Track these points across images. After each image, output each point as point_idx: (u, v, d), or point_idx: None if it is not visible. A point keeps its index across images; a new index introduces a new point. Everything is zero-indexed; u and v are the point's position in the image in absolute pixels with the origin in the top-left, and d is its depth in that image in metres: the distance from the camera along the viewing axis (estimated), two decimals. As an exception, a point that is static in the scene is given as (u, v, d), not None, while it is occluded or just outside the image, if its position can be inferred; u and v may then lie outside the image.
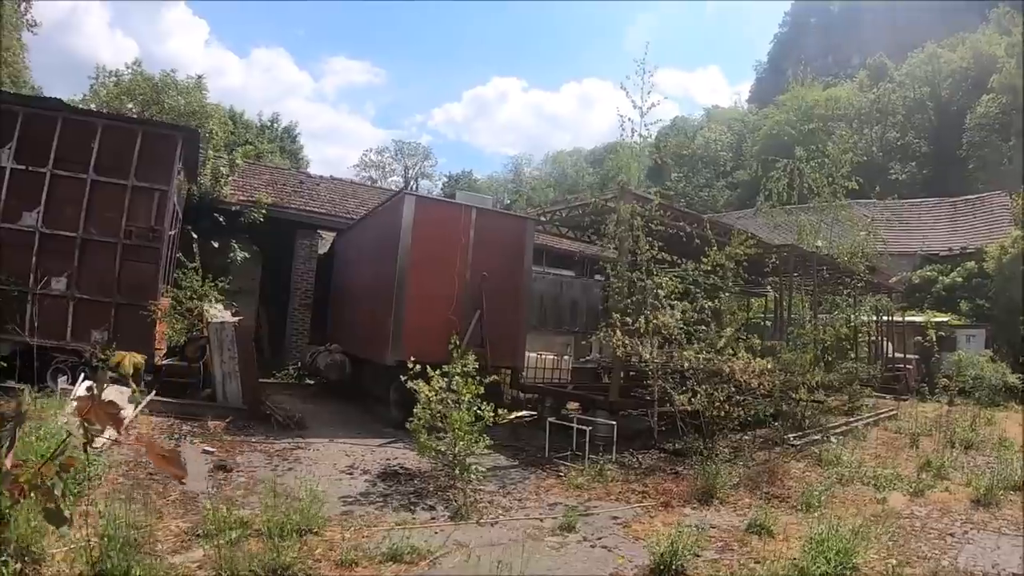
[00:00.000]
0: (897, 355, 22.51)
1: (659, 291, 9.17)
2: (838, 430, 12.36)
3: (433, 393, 7.21)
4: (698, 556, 5.57)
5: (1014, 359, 20.69)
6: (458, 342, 7.85)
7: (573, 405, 12.67)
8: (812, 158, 13.99)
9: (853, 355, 16.55)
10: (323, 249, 19.38)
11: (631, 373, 11.86)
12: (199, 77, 19.91)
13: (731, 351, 9.37)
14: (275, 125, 46.70)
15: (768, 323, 20.30)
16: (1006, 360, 20.26)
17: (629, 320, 8.97)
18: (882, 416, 15.06)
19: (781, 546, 5.99)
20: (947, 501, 7.98)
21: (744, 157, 56.33)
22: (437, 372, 7.36)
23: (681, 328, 9.28)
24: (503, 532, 6.19)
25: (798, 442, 10.97)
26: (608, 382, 11.76)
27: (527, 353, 12.78)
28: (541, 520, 6.61)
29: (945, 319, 25.64)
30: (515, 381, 12.01)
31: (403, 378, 7.60)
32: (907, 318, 24.47)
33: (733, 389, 9.03)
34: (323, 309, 18.12)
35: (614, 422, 9.56)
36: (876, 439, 12.39)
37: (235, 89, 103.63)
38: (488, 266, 11.56)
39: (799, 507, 7.37)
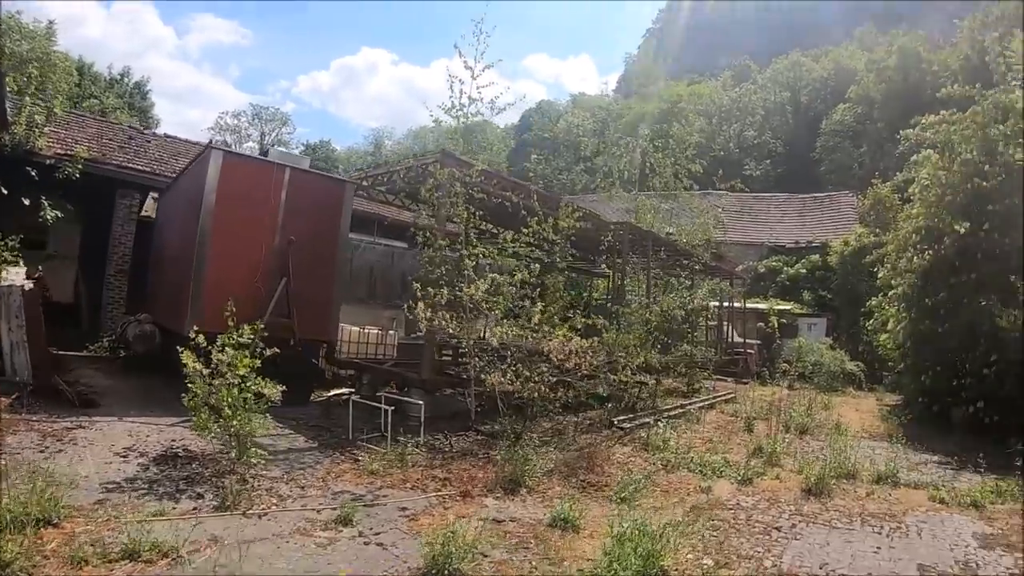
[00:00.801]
0: (739, 340, 23.36)
1: (468, 261, 8.61)
2: (672, 413, 12.20)
3: (206, 367, 6.43)
4: (485, 556, 5.03)
5: (853, 347, 21.94)
6: (234, 309, 6.94)
7: (399, 383, 11.98)
8: (657, 138, 13.95)
9: (691, 337, 16.78)
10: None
11: (460, 350, 11.31)
12: (50, 23, 17.68)
13: (548, 329, 8.92)
14: (125, 80, 42.76)
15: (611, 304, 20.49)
16: (845, 348, 21.40)
17: (431, 291, 8.34)
18: (720, 399, 15.17)
19: (585, 543, 5.50)
20: (777, 490, 7.67)
21: (605, 144, 57.66)
22: (217, 343, 6.56)
23: (496, 302, 8.76)
24: (270, 525, 5.50)
25: (628, 425, 10.71)
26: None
27: (348, 327, 11.97)
28: (318, 511, 5.95)
29: (788, 307, 27.00)
30: (330, 356, 11.16)
31: (179, 348, 6.67)
32: (750, 305, 25.51)
33: (547, 369, 8.63)
34: (144, 275, 16.49)
35: (422, 402, 8.96)
36: (711, 423, 12.28)
37: (93, 40, 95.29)
38: (300, 230, 10.65)
39: (616, 497, 6.92)
